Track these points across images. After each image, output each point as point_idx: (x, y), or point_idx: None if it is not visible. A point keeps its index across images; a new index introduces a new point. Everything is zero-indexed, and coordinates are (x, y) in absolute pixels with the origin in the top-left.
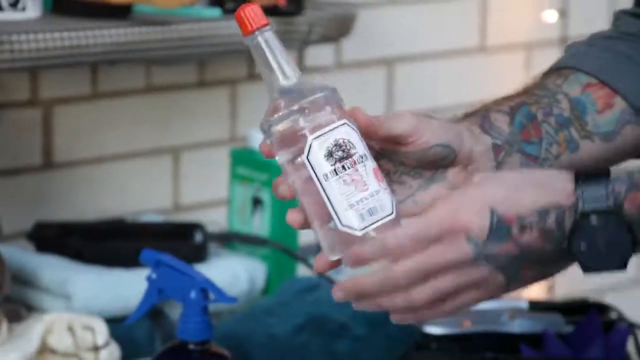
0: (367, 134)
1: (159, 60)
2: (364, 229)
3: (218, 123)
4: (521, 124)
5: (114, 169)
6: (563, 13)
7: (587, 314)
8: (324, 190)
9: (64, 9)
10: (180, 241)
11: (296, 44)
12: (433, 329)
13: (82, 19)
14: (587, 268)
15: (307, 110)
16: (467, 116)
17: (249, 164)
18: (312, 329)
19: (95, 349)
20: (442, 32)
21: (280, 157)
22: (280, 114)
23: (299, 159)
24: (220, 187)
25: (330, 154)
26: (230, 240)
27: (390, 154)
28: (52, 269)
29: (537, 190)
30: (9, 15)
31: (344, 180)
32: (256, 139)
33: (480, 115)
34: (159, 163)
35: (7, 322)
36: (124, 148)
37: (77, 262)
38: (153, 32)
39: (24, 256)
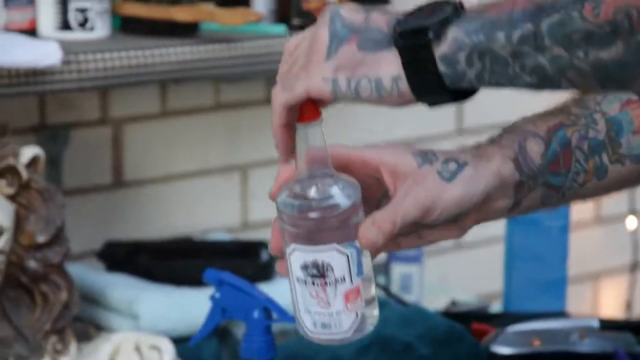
0: None
1: (225, 77)
2: (314, 334)
3: None
4: (554, 153)
5: (184, 187)
6: None
7: None
8: (293, 286)
9: (132, 28)
10: (247, 260)
11: None
12: (501, 349)
13: (149, 38)
14: (409, 59)
15: (307, 222)
16: (506, 134)
17: None
18: (378, 349)
19: None
20: None
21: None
22: (289, 208)
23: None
24: None
25: (305, 267)
26: None
27: None
28: (121, 289)
29: None
30: (78, 35)
31: (309, 292)
32: None
33: (518, 143)
34: (228, 181)
35: (76, 342)
36: (193, 166)
37: (146, 281)
38: (219, 50)
39: (94, 275)
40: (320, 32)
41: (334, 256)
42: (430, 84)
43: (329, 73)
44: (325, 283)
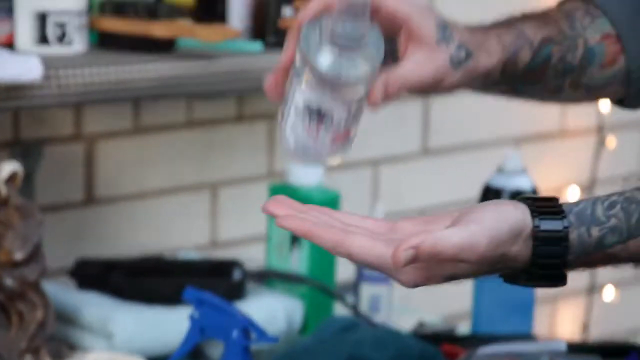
0: None
1: (201, 94)
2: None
3: (256, 158)
4: (535, 66)
5: (155, 204)
6: None
7: (627, 356)
8: (289, 102)
9: (109, 43)
10: (219, 279)
11: None
12: None
13: (126, 53)
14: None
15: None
16: (509, 29)
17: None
18: None
19: None
20: None
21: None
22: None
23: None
24: (258, 223)
25: (308, 107)
26: (268, 277)
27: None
28: (94, 307)
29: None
30: (56, 49)
31: (302, 121)
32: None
33: (514, 48)
34: (198, 198)
35: None
36: (165, 183)
37: (118, 299)
38: (197, 66)
39: (66, 293)
40: None
41: (339, 108)
42: None
43: None
44: (322, 124)
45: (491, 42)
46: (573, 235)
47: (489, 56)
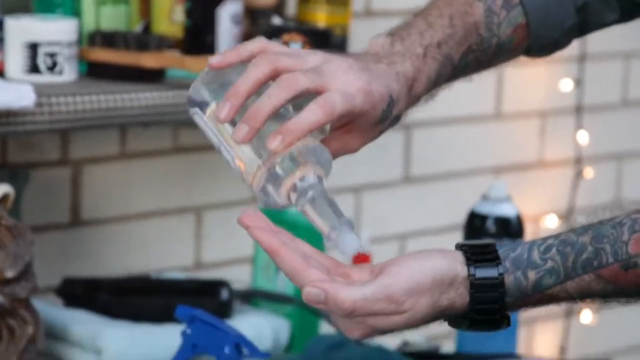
0: None
1: (188, 122)
2: None
3: (240, 183)
4: (453, 77)
5: (140, 226)
6: (578, 82)
7: None
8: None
9: (99, 73)
10: (206, 298)
11: None
12: None
13: (115, 83)
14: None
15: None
16: (434, 49)
17: (274, 221)
18: None
19: None
20: (459, 98)
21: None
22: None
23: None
24: (243, 245)
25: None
26: (255, 297)
27: None
28: (82, 324)
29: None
30: (47, 78)
31: None
32: None
33: (438, 69)
34: (183, 221)
35: None
36: (150, 207)
37: (106, 317)
38: (184, 96)
39: (54, 311)
40: None
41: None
42: None
43: None
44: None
45: (421, 79)
46: (509, 280)
47: (415, 99)
